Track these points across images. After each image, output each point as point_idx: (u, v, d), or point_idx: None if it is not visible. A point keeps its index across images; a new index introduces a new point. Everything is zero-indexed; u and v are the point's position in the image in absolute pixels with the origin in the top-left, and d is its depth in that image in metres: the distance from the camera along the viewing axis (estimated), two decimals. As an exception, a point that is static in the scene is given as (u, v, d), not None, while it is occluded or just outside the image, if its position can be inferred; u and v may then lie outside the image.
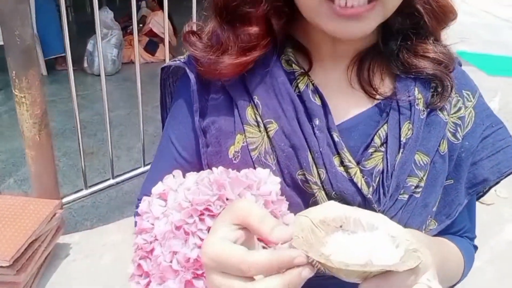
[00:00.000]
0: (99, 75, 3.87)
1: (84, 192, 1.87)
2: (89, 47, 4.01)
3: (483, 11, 10.08)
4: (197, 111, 0.59)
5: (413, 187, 0.57)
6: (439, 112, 0.59)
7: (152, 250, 0.51)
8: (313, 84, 0.57)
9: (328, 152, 0.55)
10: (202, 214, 0.48)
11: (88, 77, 3.91)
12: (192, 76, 0.59)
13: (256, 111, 0.57)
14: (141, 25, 4.73)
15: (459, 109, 0.61)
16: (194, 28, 0.61)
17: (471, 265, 0.71)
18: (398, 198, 0.56)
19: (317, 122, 0.56)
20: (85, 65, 4.03)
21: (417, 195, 0.58)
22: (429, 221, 0.61)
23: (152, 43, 4.50)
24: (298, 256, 0.39)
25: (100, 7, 4.19)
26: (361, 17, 0.49)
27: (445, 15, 0.58)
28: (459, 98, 0.61)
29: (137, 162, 2.47)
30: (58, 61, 3.99)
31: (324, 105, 0.57)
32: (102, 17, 4.08)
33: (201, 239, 0.47)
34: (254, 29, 0.55)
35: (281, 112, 0.56)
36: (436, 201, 0.61)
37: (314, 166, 0.55)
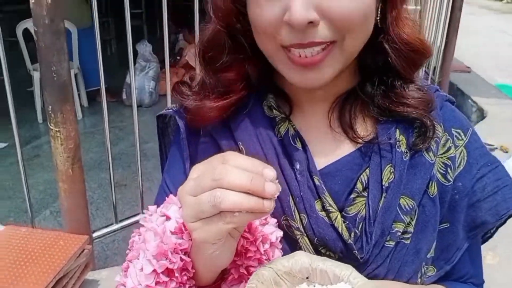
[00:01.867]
0: (138, 107, 3.97)
1: (115, 226, 1.86)
2: (128, 79, 4.13)
3: (528, 42, 9.78)
4: (187, 158, 0.61)
5: (399, 233, 0.54)
6: (425, 153, 0.56)
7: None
8: (294, 129, 0.57)
9: (309, 196, 0.54)
10: None
11: (126, 108, 4.01)
12: (181, 124, 0.61)
13: None
14: (178, 57, 4.85)
15: (449, 148, 0.58)
16: (186, 79, 0.64)
17: None
18: (384, 245, 0.53)
19: (298, 166, 0.55)
20: (124, 96, 4.14)
21: (407, 242, 0.55)
22: (426, 268, 0.57)
23: (189, 76, 4.60)
24: (268, 169, 0.43)
25: (139, 40, 4.34)
26: (318, 66, 0.47)
27: (415, 53, 0.54)
28: (448, 137, 0.58)
29: (169, 195, 2.46)
30: (99, 93, 4.12)
31: (305, 149, 0.56)
32: (141, 50, 4.22)
33: None
34: (229, 75, 0.56)
35: (264, 157, 0.56)
36: (429, 247, 0.56)
37: (296, 211, 0.54)
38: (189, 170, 0.58)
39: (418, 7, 3.80)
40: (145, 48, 4.24)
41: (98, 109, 4.05)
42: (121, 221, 1.88)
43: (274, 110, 0.58)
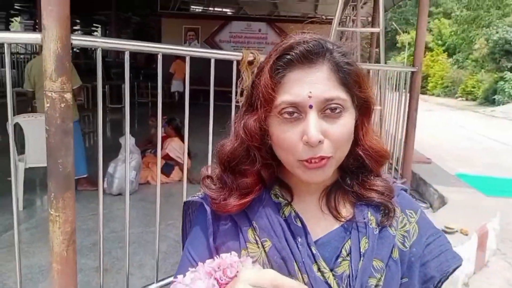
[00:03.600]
0: (116, 195, 4.10)
1: (101, 309, 1.93)
2: (110, 169, 4.31)
3: (482, 136, 10.57)
4: (211, 234, 0.79)
5: (373, 286, 0.73)
6: (388, 228, 0.77)
7: None
8: (295, 211, 0.77)
9: (309, 261, 0.73)
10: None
11: (107, 197, 4.13)
12: (208, 208, 0.80)
13: (255, 232, 0.76)
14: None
15: (405, 224, 0.80)
16: (209, 172, 0.83)
17: None
18: None
19: (299, 239, 0.75)
20: (105, 185, 4.28)
21: None
22: None
23: (168, 166, 4.80)
24: None
25: (123, 134, 4.59)
26: (321, 168, 0.71)
27: (380, 157, 0.80)
28: (404, 216, 0.80)
29: (148, 279, 2.55)
30: (80, 182, 4.25)
31: (304, 226, 0.76)
32: (125, 142, 4.45)
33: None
34: (249, 180, 0.77)
35: (273, 232, 0.75)
36: None
37: (299, 272, 0.73)
38: (212, 244, 0.78)
39: (379, 107, 4.22)
40: (129, 141, 4.47)
41: (78, 197, 4.10)
42: (105, 303, 1.95)
43: (279, 198, 0.78)
